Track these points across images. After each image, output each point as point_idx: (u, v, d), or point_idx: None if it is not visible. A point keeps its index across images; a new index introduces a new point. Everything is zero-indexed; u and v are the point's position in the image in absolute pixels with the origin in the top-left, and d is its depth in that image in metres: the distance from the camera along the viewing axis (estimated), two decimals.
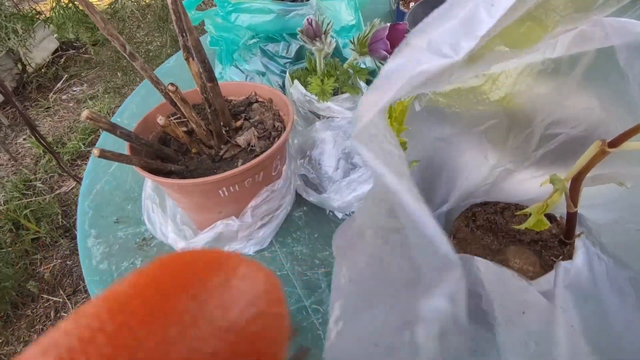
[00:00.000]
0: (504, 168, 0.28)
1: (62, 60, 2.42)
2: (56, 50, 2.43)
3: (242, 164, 0.45)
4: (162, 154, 0.46)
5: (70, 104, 2.16)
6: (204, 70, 0.42)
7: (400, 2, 0.82)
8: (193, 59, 0.38)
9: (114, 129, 0.39)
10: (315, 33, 0.46)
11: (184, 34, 0.35)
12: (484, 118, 0.24)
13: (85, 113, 0.36)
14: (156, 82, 0.43)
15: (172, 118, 0.46)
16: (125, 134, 0.41)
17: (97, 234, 0.52)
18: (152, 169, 0.43)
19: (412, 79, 0.13)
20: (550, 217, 0.34)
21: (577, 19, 0.18)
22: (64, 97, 2.21)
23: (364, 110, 0.14)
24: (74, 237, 1.48)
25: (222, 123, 0.47)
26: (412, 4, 0.82)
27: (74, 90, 2.27)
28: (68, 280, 1.34)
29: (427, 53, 0.14)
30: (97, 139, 1.89)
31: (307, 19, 0.45)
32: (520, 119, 0.24)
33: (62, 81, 2.31)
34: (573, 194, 0.27)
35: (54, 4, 1.47)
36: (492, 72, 0.22)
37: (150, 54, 2.00)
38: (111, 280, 0.46)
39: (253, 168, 0.41)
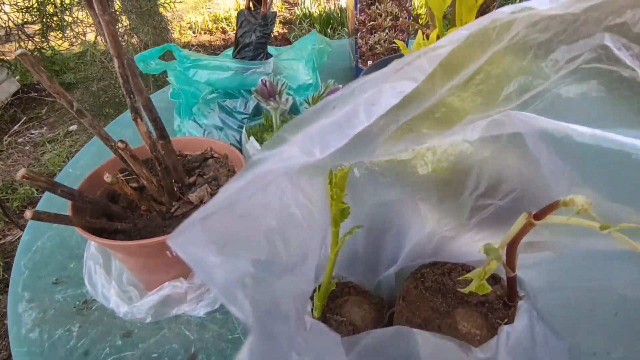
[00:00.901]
0: (442, 235, 0.29)
1: (22, 102, 2.36)
2: (17, 92, 2.37)
3: None
4: (109, 211, 0.44)
5: (27, 147, 2.07)
6: (156, 128, 0.42)
7: (359, 60, 0.87)
8: (142, 120, 0.37)
9: (54, 187, 0.38)
10: (269, 93, 0.47)
11: (131, 96, 0.35)
12: (416, 189, 0.25)
13: (20, 172, 0.35)
14: (105, 139, 0.43)
15: (120, 175, 0.44)
16: (67, 193, 0.39)
17: (31, 297, 0.48)
18: (96, 228, 0.41)
19: (275, 171, 0.14)
20: (495, 278, 0.35)
21: (485, 110, 0.20)
22: (19, 140, 2.12)
23: (222, 198, 0.14)
24: None
25: (174, 180, 0.46)
26: (369, 62, 0.88)
27: (32, 134, 2.18)
28: (4, 343, 1.21)
29: (295, 149, 0.14)
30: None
31: (262, 80, 0.47)
32: (449, 192, 0.25)
33: (19, 123, 2.23)
34: (509, 260, 0.27)
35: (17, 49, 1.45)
36: (419, 148, 0.24)
37: (118, 100, 1.97)
38: (40, 352, 0.42)
39: None
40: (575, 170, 0.19)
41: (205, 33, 3.17)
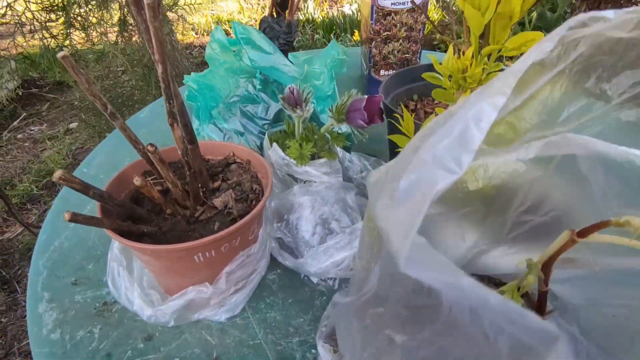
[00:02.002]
0: (479, 249, 0.29)
1: (23, 98, 2.34)
2: (17, 88, 2.35)
3: (219, 226, 0.45)
4: (134, 214, 0.44)
5: (26, 144, 2.06)
6: (186, 133, 0.42)
7: (372, 69, 0.88)
8: (177, 125, 0.38)
9: (87, 189, 0.38)
10: (296, 101, 0.48)
11: (170, 101, 0.35)
12: (463, 204, 0.26)
13: (57, 173, 0.35)
14: (135, 142, 0.43)
15: (149, 179, 0.44)
16: (98, 195, 0.40)
17: (51, 298, 0.48)
18: (124, 231, 0.41)
19: (430, 196, 0.14)
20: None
21: (544, 129, 0.21)
22: (19, 136, 2.10)
23: (399, 232, 0.15)
24: (13, 291, 1.34)
25: (199, 184, 0.47)
26: (382, 71, 0.89)
27: (32, 130, 2.17)
28: (0, 341, 1.19)
29: (436, 169, 0.15)
30: (52, 182, 1.79)
31: (289, 88, 0.47)
32: (495, 208, 0.26)
33: (19, 119, 2.21)
34: (545, 274, 0.28)
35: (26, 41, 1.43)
36: (472, 164, 0.24)
37: (121, 101, 1.96)
38: (62, 353, 0.42)
39: (231, 234, 0.40)
40: (632, 193, 0.20)
41: (207, 34, 3.17)
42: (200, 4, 3.19)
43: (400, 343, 0.19)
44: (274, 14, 0.60)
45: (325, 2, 3.45)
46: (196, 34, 3.16)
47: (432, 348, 0.18)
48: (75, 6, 1.19)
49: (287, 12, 0.55)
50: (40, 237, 0.57)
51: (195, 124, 0.65)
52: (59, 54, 0.34)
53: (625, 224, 0.18)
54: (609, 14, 0.16)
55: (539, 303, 0.32)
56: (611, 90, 0.20)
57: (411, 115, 0.61)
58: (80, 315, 0.46)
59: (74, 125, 2.18)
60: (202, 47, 2.99)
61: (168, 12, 2.01)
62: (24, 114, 2.24)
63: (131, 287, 0.44)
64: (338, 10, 3.21)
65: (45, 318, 0.46)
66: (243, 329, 0.46)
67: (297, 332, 0.45)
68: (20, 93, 2.33)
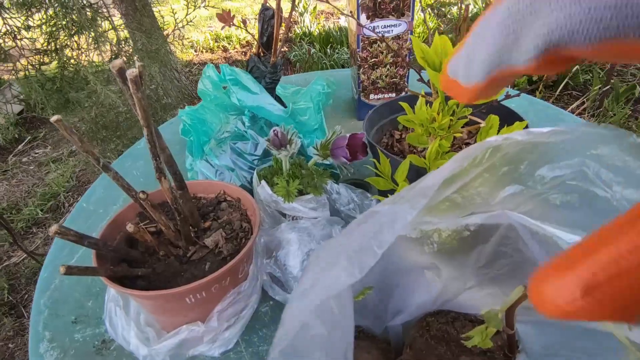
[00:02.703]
0: (445, 299, 0.31)
1: (27, 121, 2.39)
2: (21, 112, 2.40)
3: (210, 266, 0.47)
4: (129, 257, 0.47)
5: (31, 167, 2.10)
6: (175, 180, 0.45)
7: (362, 94, 0.91)
8: (165, 178, 0.40)
9: (82, 240, 0.40)
10: (281, 142, 0.50)
11: (157, 158, 0.38)
12: (423, 262, 0.28)
13: (53, 228, 0.37)
14: (127, 189, 0.45)
15: (142, 225, 0.47)
16: (93, 243, 0.42)
17: (52, 337, 0.50)
18: (118, 276, 0.43)
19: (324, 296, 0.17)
20: (497, 330, 0.37)
21: (483, 207, 0.23)
22: (24, 159, 2.15)
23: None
24: (20, 316, 1.37)
25: (190, 225, 0.49)
26: (371, 95, 0.91)
27: (36, 153, 2.21)
28: None
29: (340, 272, 0.17)
30: (57, 205, 1.82)
31: (273, 131, 0.50)
32: (453, 266, 0.28)
33: (24, 143, 2.25)
34: (508, 322, 0.30)
35: (23, 72, 1.48)
36: (427, 229, 0.26)
37: (115, 125, 1.99)
38: None
39: (220, 276, 0.42)
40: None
41: (206, 51, 3.23)
42: (196, 22, 3.25)
43: None
44: (261, 53, 0.63)
45: (322, 15, 3.50)
46: (195, 51, 3.21)
47: None
48: (67, 50, 1.23)
49: (272, 53, 0.57)
50: (42, 274, 0.59)
51: (188, 160, 0.67)
52: (52, 119, 0.36)
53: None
54: (520, 135, 0.18)
55: (509, 343, 0.34)
56: (536, 180, 0.22)
57: (398, 143, 0.63)
58: (80, 354, 0.48)
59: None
60: (202, 64, 3.04)
61: (165, 32, 2.05)
62: (28, 137, 2.29)
63: (127, 327, 0.46)
64: (334, 23, 3.25)
65: (46, 358, 0.48)
66: None
67: None
68: (24, 116, 2.38)
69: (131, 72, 0.30)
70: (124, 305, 0.48)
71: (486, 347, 0.33)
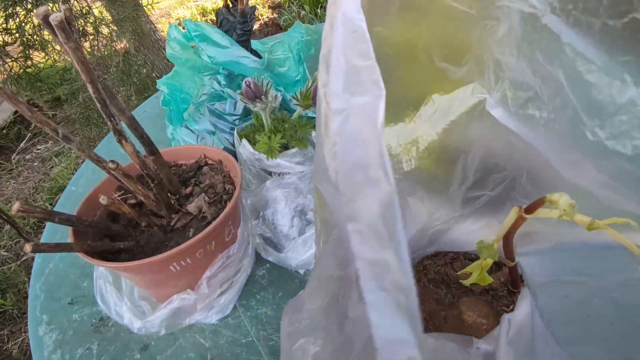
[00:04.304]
0: (436, 229, 0.28)
1: (25, 119, 2.38)
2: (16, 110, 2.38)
3: (194, 232, 0.44)
4: (110, 231, 0.45)
5: (35, 164, 2.11)
6: (144, 144, 0.42)
7: None
8: (126, 140, 0.37)
9: (51, 216, 0.38)
10: (255, 94, 0.46)
11: (112, 119, 0.34)
12: (404, 186, 0.24)
13: (15, 206, 0.35)
14: (97, 161, 0.42)
15: (116, 196, 0.44)
16: (65, 219, 0.40)
17: (50, 320, 0.50)
18: (98, 252, 0.41)
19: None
20: (499, 265, 0.34)
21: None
22: (27, 156, 2.15)
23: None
24: None
25: (170, 192, 0.46)
26: None
27: (39, 149, 2.21)
28: None
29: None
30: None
31: (245, 82, 0.46)
32: (436, 187, 0.25)
33: (25, 140, 2.25)
34: (507, 252, 0.27)
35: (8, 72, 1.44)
36: (405, 143, 0.23)
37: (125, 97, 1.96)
38: None
39: (203, 239, 0.40)
40: None
41: None
42: None
43: (312, 355, 0.18)
44: (229, 3, 0.58)
45: None
46: (182, 28, 3.11)
47: None
48: (28, 26, 1.18)
49: (239, 0, 0.52)
50: (36, 261, 0.58)
51: (169, 129, 0.64)
52: None
53: (554, 203, 0.17)
54: None
55: (511, 277, 0.31)
56: None
57: None
58: (79, 333, 0.48)
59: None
60: None
61: (147, 9, 1.97)
62: (29, 134, 2.29)
63: (120, 302, 0.45)
64: None
65: (45, 340, 0.47)
66: (235, 328, 0.46)
67: None
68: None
69: (55, 17, 0.26)
70: (115, 281, 0.47)
71: (486, 284, 0.30)
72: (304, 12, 2.65)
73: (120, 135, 0.36)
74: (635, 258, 0.15)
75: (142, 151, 0.43)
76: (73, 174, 1.98)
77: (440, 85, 0.20)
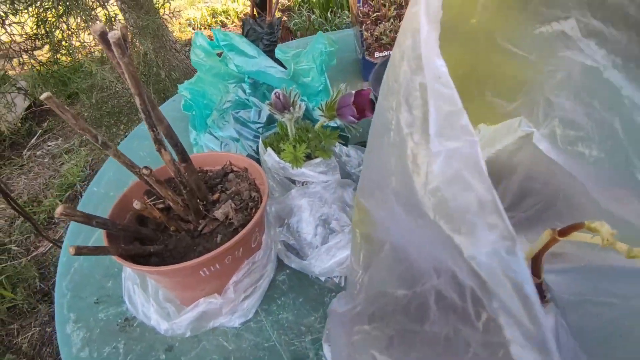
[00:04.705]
0: None
1: (36, 115, 2.40)
2: (29, 106, 2.41)
3: (221, 238, 0.46)
4: (140, 235, 0.46)
5: (45, 160, 2.13)
6: (177, 152, 0.43)
7: (366, 52, 0.86)
8: (165, 150, 0.38)
9: (89, 220, 0.39)
10: (283, 105, 0.48)
11: (154, 129, 0.36)
12: None
13: (58, 210, 0.36)
14: (131, 167, 0.44)
15: (149, 201, 0.46)
16: (101, 223, 0.41)
17: (77, 318, 0.51)
18: (130, 255, 0.43)
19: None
20: None
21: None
22: (38, 153, 2.18)
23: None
24: (54, 301, 1.42)
25: (198, 198, 0.48)
26: (376, 53, 0.87)
27: (49, 145, 2.24)
28: (48, 350, 1.27)
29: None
30: (75, 194, 1.86)
31: (275, 93, 0.47)
32: None
33: (36, 137, 2.28)
34: (535, 270, 0.28)
35: (27, 67, 1.46)
36: None
37: (118, 109, 1.98)
38: None
39: (233, 246, 0.41)
40: None
41: (205, 28, 3.15)
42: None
43: None
44: (255, 14, 0.59)
45: None
46: (193, 29, 3.14)
47: None
48: (57, 32, 1.20)
49: (267, 12, 0.54)
50: (61, 259, 0.59)
51: (192, 135, 0.66)
52: (42, 96, 0.35)
53: (594, 230, 0.18)
54: None
55: (537, 292, 0.32)
56: None
57: None
58: (105, 332, 0.49)
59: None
60: None
61: (160, 10, 2.00)
62: (40, 130, 2.31)
63: (147, 304, 0.46)
64: None
65: (73, 338, 0.49)
66: (257, 332, 0.47)
67: (309, 331, 0.47)
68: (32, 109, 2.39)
69: (113, 35, 0.28)
70: (142, 283, 0.48)
71: None
72: (314, 16, 2.67)
73: (160, 145, 0.38)
74: None
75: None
76: (83, 171, 2.00)
77: (490, 117, 0.21)
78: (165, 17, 1.83)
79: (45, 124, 2.33)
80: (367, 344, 0.21)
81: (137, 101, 0.33)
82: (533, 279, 0.29)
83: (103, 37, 0.29)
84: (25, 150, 2.18)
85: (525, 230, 0.28)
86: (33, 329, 1.33)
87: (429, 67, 0.14)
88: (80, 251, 0.36)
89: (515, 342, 0.13)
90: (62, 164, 2.07)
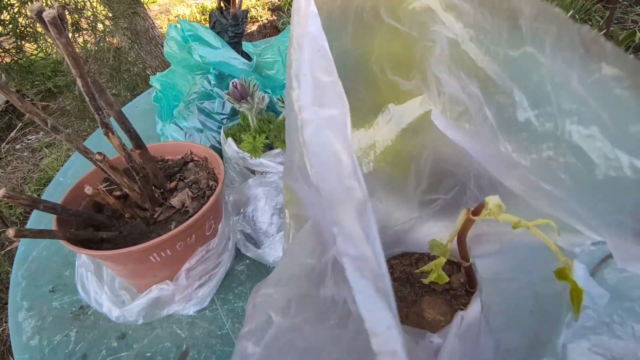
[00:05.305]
0: (395, 229, 0.30)
1: (16, 108, 2.37)
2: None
3: (176, 225, 0.46)
4: (94, 221, 0.46)
5: (25, 154, 2.09)
6: (131, 138, 0.43)
7: None
8: (113, 134, 0.38)
9: (36, 204, 0.39)
10: (241, 95, 0.48)
11: (99, 112, 0.36)
12: (367, 183, 0.26)
13: (0, 192, 0.36)
14: (84, 152, 0.44)
15: (101, 187, 0.46)
16: (49, 207, 0.41)
17: (30, 306, 0.50)
18: (81, 240, 0.42)
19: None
20: (459, 266, 0.36)
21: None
22: (17, 146, 2.14)
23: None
24: None
25: (155, 186, 0.48)
26: None
27: (29, 139, 2.20)
28: None
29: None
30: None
31: (232, 83, 0.47)
32: (393, 188, 0.26)
33: (16, 130, 2.24)
34: (461, 252, 0.29)
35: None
36: (364, 146, 0.25)
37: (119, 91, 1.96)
38: (41, 358, 0.45)
39: (184, 231, 0.41)
40: None
41: None
42: None
43: (276, 322, 0.20)
44: (222, 6, 0.60)
45: None
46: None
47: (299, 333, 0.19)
48: (21, 18, 1.19)
49: (231, 4, 0.54)
50: (20, 248, 0.59)
51: (159, 125, 0.66)
52: None
53: (485, 205, 0.19)
54: None
55: (467, 277, 0.33)
56: None
57: None
58: (58, 320, 0.49)
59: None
60: None
61: (148, 4, 1.98)
62: (20, 124, 2.28)
63: (100, 291, 0.46)
64: None
65: (24, 326, 0.48)
66: (212, 321, 0.48)
67: None
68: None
69: (48, 14, 0.28)
70: (96, 271, 0.48)
71: (443, 282, 0.32)
72: (289, 25, 2.68)
73: (107, 128, 0.38)
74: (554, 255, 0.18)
75: (129, 145, 0.44)
76: (62, 165, 1.98)
77: (396, 95, 0.22)
78: (149, 10, 1.82)
79: (26, 117, 2.30)
80: (267, 305, 0.21)
81: (79, 83, 0.33)
82: (462, 262, 0.30)
83: (39, 16, 0.29)
84: (4, 144, 2.14)
85: (452, 214, 0.29)
86: (4, 324, 1.30)
87: (311, 41, 0.15)
88: (21, 233, 0.36)
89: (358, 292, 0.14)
90: (42, 158, 2.04)
